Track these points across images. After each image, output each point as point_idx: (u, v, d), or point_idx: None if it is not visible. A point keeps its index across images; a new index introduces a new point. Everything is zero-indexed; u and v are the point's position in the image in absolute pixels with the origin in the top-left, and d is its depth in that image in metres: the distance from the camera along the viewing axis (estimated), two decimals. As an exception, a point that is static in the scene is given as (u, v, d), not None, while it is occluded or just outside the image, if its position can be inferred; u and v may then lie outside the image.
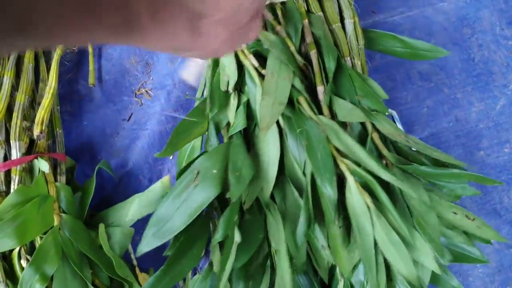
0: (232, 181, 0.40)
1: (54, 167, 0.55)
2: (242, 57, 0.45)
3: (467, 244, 0.43)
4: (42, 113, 0.52)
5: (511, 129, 0.61)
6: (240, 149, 0.42)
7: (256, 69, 0.45)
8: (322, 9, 0.50)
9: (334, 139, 0.41)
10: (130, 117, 0.61)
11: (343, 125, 0.46)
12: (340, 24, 0.50)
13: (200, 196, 0.41)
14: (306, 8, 0.49)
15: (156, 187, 0.49)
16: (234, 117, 0.45)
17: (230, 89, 0.45)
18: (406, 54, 0.56)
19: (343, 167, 0.41)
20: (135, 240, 0.56)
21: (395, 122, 0.61)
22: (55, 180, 0.54)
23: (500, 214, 0.59)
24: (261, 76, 0.45)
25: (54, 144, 0.57)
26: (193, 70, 0.46)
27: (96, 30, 0.22)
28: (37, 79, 0.58)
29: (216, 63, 0.48)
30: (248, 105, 0.45)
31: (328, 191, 0.39)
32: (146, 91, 0.61)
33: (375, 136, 0.44)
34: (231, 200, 0.40)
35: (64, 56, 0.62)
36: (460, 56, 0.64)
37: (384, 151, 0.44)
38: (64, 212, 0.52)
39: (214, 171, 0.41)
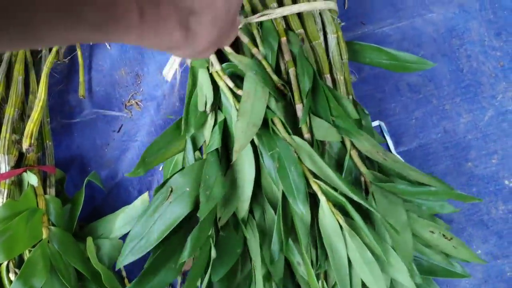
0: (202, 200, 0.41)
1: (44, 179, 0.56)
2: (217, 78, 0.46)
3: (446, 263, 0.44)
4: (31, 126, 0.52)
5: (499, 140, 0.62)
6: (214, 167, 0.43)
7: (231, 89, 0.46)
8: (303, 26, 0.50)
9: (307, 161, 0.41)
10: (120, 128, 0.62)
11: (322, 143, 0.46)
12: (320, 41, 0.50)
13: (173, 213, 0.42)
14: (285, 26, 0.49)
15: (137, 204, 0.50)
16: (210, 136, 0.45)
17: (208, 109, 0.46)
18: (392, 66, 0.56)
19: (315, 188, 0.42)
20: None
21: (383, 134, 0.61)
22: (45, 192, 0.54)
23: (487, 225, 0.60)
24: (236, 97, 0.45)
25: (44, 156, 0.57)
26: (172, 69, 0.49)
27: (80, 29, 0.22)
28: (27, 91, 0.58)
29: (194, 84, 0.49)
30: (225, 124, 0.46)
31: (301, 212, 0.40)
32: (136, 102, 0.62)
33: (354, 154, 0.45)
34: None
35: (54, 67, 0.63)
36: (449, 67, 0.64)
37: (363, 168, 0.45)
38: (53, 224, 0.52)
39: (187, 189, 0.43)
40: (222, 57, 0.47)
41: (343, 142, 0.46)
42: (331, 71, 0.51)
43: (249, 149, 0.43)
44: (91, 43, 0.64)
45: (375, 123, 0.61)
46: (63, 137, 0.62)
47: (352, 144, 0.45)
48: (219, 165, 0.43)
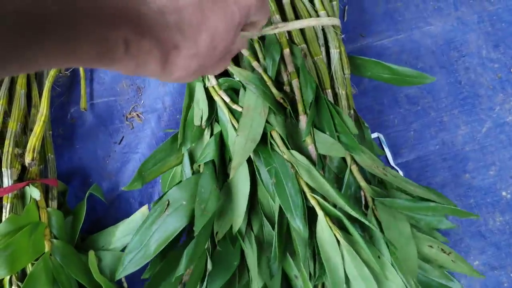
0: (196, 214, 0.41)
1: (46, 191, 0.56)
2: (213, 93, 0.47)
3: (444, 279, 0.44)
4: (33, 141, 0.53)
5: (497, 151, 0.62)
6: (209, 180, 0.44)
7: (227, 104, 0.46)
8: (305, 41, 0.50)
9: (305, 176, 0.42)
10: (121, 140, 0.62)
11: (323, 157, 0.46)
12: (322, 56, 0.50)
13: (170, 226, 0.43)
14: (288, 37, 0.50)
15: (137, 217, 0.51)
16: (204, 148, 0.46)
17: (203, 124, 0.47)
18: (393, 80, 0.57)
19: (313, 202, 0.42)
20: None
21: (382, 146, 0.62)
22: (47, 205, 0.55)
23: (485, 236, 0.60)
24: (232, 111, 0.46)
25: (46, 169, 0.58)
26: None
27: (70, 61, 0.23)
28: (30, 104, 0.59)
29: (191, 98, 0.50)
30: (222, 138, 0.46)
31: (299, 227, 0.40)
32: (137, 114, 0.62)
33: (354, 169, 0.45)
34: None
35: (56, 80, 0.63)
36: (447, 79, 0.65)
37: (363, 183, 0.45)
38: (55, 237, 0.53)
39: (184, 202, 0.43)
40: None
41: (343, 157, 0.46)
42: (333, 86, 0.52)
43: (244, 164, 0.44)
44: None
45: (374, 135, 0.62)
46: (65, 149, 0.62)
47: (353, 159, 0.45)
48: (214, 179, 0.44)
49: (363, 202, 0.46)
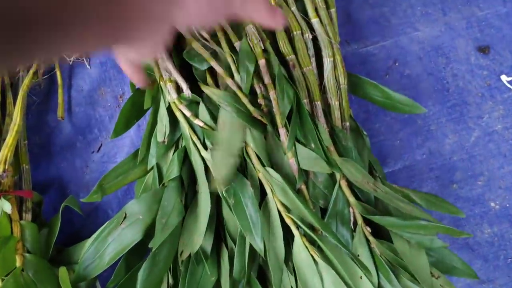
0: (157, 228, 0.41)
1: (20, 202, 0.55)
2: (174, 108, 0.46)
3: None
4: (5, 152, 0.51)
5: (485, 161, 0.61)
6: (173, 194, 0.43)
7: (187, 119, 0.45)
8: (294, 51, 0.48)
9: (280, 195, 0.41)
10: (99, 148, 0.61)
11: (306, 172, 0.45)
12: (311, 67, 0.48)
13: (125, 239, 0.43)
14: (263, 47, 0.47)
15: None
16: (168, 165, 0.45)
17: (166, 140, 0.46)
18: (385, 104, 0.55)
19: (289, 222, 0.41)
20: (103, 275, 0.55)
21: (367, 155, 0.60)
22: (21, 217, 0.53)
23: (472, 248, 0.59)
24: (193, 126, 0.45)
25: (21, 179, 0.56)
26: None
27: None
28: (4, 113, 0.57)
29: (155, 114, 0.49)
30: (186, 154, 0.45)
31: (258, 248, 0.40)
32: (116, 123, 0.61)
33: (343, 184, 0.44)
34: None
35: (33, 88, 0.62)
36: (434, 87, 0.63)
37: (351, 199, 0.44)
38: (28, 251, 0.51)
39: (140, 216, 0.43)
40: (193, 88, 0.47)
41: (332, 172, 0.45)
42: (325, 97, 0.50)
43: (205, 183, 0.43)
44: (70, 63, 0.63)
45: (359, 145, 0.60)
46: (41, 159, 0.61)
47: (342, 173, 0.44)
48: (180, 193, 0.44)
49: (352, 219, 0.45)
